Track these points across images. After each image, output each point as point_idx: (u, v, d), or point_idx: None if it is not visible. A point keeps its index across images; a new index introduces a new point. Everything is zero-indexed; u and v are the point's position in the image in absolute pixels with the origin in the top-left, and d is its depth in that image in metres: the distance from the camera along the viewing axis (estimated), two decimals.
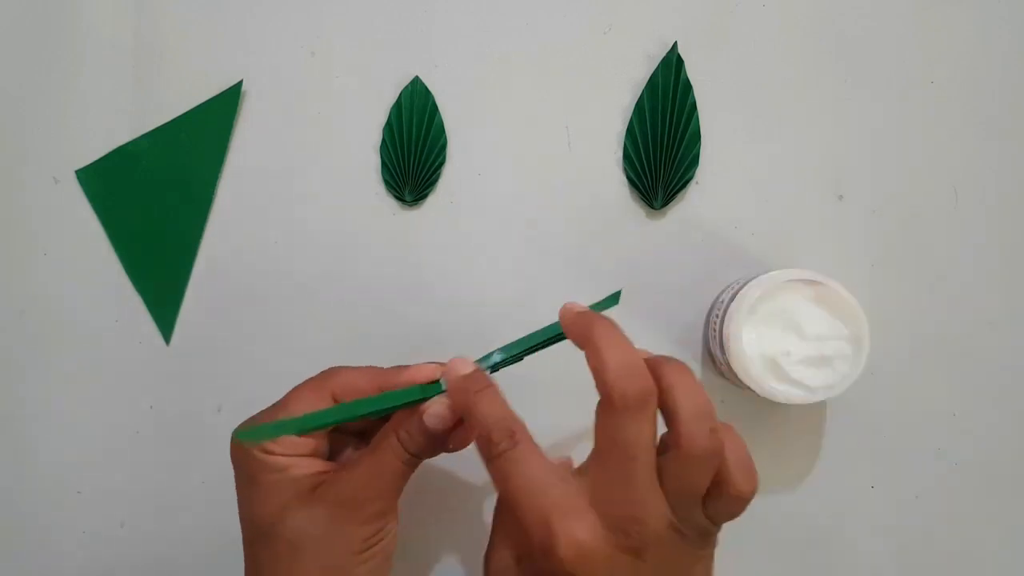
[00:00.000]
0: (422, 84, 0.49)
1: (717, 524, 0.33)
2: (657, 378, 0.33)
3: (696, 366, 0.48)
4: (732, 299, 0.43)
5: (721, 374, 0.47)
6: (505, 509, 0.36)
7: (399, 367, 0.39)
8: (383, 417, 0.38)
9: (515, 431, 0.33)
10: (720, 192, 0.48)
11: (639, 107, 0.48)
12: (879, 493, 0.48)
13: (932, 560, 0.48)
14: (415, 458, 0.37)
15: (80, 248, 0.50)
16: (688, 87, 0.48)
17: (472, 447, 0.38)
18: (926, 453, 0.48)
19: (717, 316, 0.45)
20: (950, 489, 0.48)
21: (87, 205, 0.51)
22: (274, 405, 0.38)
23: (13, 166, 0.51)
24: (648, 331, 0.48)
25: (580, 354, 0.49)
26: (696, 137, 0.48)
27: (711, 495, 0.32)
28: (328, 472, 0.38)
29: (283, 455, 0.37)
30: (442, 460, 0.49)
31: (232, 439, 0.38)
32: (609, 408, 0.32)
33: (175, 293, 0.50)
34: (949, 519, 0.48)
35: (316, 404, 0.37)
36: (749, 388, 0.43)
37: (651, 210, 0.48)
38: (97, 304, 0.50)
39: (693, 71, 0.48)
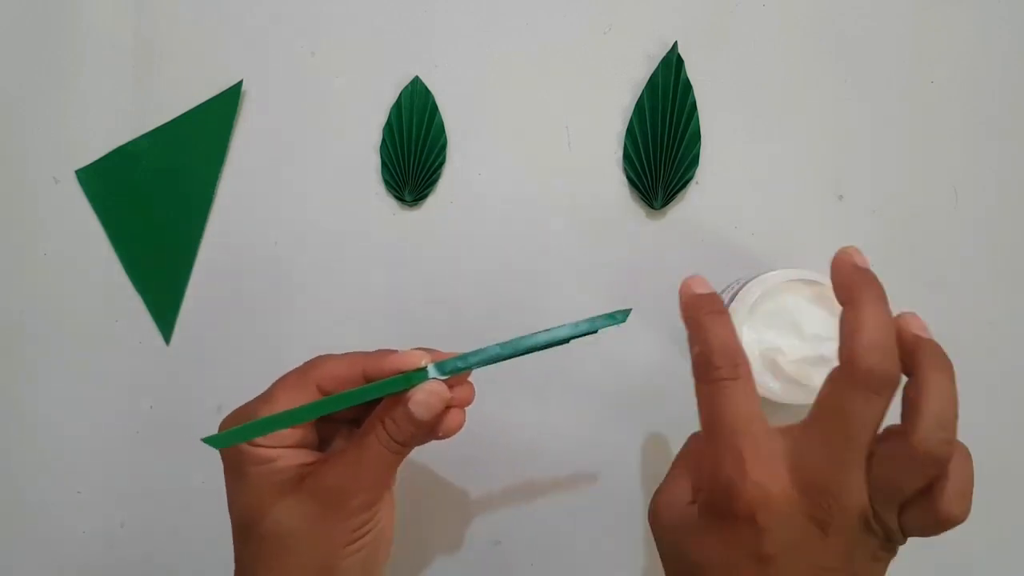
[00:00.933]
0: (422, 84, 0.49)
1: (907, 535, 0.31)
2: (915, 365, 0.31)
3: None
4: (732, 299, 0.43)
5: None
6: (697, 440, 0.36)
7: (384, 351, 0.38)
8: (373, 403, 0.37)
9: (740, 363, 0.32)
10: (720, 192, 0.48)
11: (639, 107, 0.48)
12: None
13: (932, 560, 0.48)
14: (403, 447, 0.36)
15: (80, 248, 0.50)
16: (688, 87, 0.48)
17: (462, 435, 0.38)
18: None
19: None
20: None
21: (87, 205, 0.51)
22: (259, 397, 0.38)
23: (13, 166, 0.51)
24: (648, 330, 0.48)
25: (578, 353, 0.49)
26: (696, 137, 0.48)
27: (913, 504, 0.31)
28: (315, 463, 0.37)
29: (268, 447, 0.36)
30: (436, 454, 0.49)
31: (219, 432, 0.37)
32: (848, 378, 0.30)
33: (175, 293, 0.50)
34: None
35: (300, 395, 0.37)
36: None
37: (651, 210, 0.48)
38: (97, 304, 0.50)
39: (693, 71, 0.48)
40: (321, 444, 0.39)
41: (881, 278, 0.48)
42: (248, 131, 0.50)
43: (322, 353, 0.40)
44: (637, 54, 0.48)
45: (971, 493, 0.31)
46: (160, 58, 0.50)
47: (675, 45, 0.48)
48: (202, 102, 0.50)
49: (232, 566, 0.39)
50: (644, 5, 0.49)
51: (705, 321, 0.33)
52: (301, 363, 0.39)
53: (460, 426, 0.38)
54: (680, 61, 0.48)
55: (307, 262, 0.50)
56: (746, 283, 0.43)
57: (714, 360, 0.32)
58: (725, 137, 0.48)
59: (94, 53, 0.50)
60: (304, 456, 0.37)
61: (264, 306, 0.50)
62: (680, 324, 0.48)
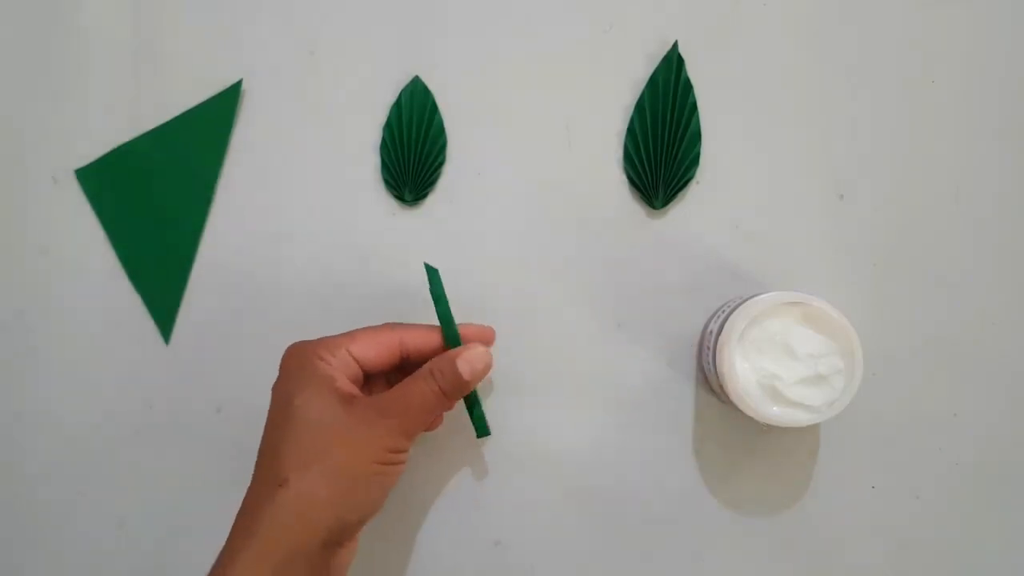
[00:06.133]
0: (422, 84, 0.49)
1: None
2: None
3: (696, 371, 0.48)
4: (720, 330, 0.43)
5: (720, 400, 0.47)
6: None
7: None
8: (408, 368, 0.44)
9: None
10: (721, 191, 0.48)
11: (640, 106, 0.48)
12: (879, 493, 0.48)
13: (932, 560, 0.48)
14: (444, 396, 0.41)
15: (80, 248, 0.50)
16: (689, 86, 0.48)
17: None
18: (927, 453, 0.48)
19: (708, 348, 0.44)
20: (951, 489, 0.47)
21: (87, 205, 0.51)
22: (340, 335, 0.43)
23: (13, 166, 0.51)
24: (650, 330, 0.48)
25: (578, 353, 0.49)
26: (697, 136, 0.48)
27: None
28: (360, 396, 0.42)
29: (334, 367, 0.41)
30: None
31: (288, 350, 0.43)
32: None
33: (174, 293, 0.50)
34: (949, 519, 0.48)
35: (383, 340, 0.43)
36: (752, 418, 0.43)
37: (652, 210, 0.48)
38: (97, 304, 0.50)
39: (694, 70, 0.48)
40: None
41: (882, 277, 0.48)
42: (248, 131, 0.50)
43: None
44: (638, 53, 0.48)
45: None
46: (159, 57, 0.50)
47: (676, 44, 0.48)
48: (201, 102, 0.50)
49: None
50: (645, 4, 0.49)
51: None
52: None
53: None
54: (681, 60, 0.48)
55: (306, 262, 0.50)
56: (733, 310, 0.43)
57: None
58: (726, 136, 0.48)
59: (93, 53, 0.50)
60: (353, 388, 0.42)
61: (263, 306, 0.50)
62: (682, 321, 0.48)
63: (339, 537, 0.40)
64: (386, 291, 0.49)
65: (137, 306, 0.50)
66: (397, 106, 0.49)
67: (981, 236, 0.48)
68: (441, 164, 0.49)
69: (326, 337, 0.43)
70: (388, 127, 0.49)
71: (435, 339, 0.44)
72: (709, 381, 0.46)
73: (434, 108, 0.49)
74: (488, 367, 0.43)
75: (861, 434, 0.48)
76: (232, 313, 0.50)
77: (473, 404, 0.45)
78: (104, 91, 0.50)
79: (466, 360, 0.42)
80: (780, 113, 0.48)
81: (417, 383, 0.41)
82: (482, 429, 0.45)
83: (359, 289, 0.49)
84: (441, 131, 0.49)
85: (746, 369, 0.42)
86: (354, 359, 0.42)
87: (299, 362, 0.42)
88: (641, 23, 0.48)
